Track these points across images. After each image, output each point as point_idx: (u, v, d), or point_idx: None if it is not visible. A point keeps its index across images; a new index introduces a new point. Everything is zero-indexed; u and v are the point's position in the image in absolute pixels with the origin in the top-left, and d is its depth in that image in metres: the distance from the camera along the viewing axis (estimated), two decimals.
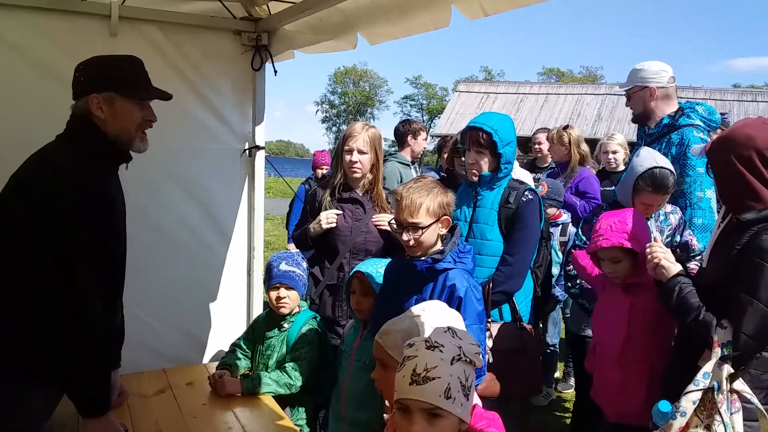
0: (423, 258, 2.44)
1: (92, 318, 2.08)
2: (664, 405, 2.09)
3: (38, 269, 2.02)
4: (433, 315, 1.95)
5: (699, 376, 2.09)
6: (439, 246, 2.46)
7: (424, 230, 2.37)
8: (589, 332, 3.24)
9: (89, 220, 2.07)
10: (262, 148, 3.79)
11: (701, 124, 3.41)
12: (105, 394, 2.20)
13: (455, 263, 2.42)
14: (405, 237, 2.40)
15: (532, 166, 5.81)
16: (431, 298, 2.39)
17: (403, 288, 2.49)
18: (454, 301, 2.35)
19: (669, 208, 3.24)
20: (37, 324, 2.03)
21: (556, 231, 4.62)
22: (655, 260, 2.35)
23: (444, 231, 2.45)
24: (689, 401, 2.07)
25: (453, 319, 2.00)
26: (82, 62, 2.25)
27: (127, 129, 2.25)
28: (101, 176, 2.21)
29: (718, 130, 4.43)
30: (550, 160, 5.78)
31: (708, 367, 2.09)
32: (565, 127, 5.35)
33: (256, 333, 3.11)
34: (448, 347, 1.56)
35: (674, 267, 2.32)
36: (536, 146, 5.85)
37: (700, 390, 2.08)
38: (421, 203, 2.36)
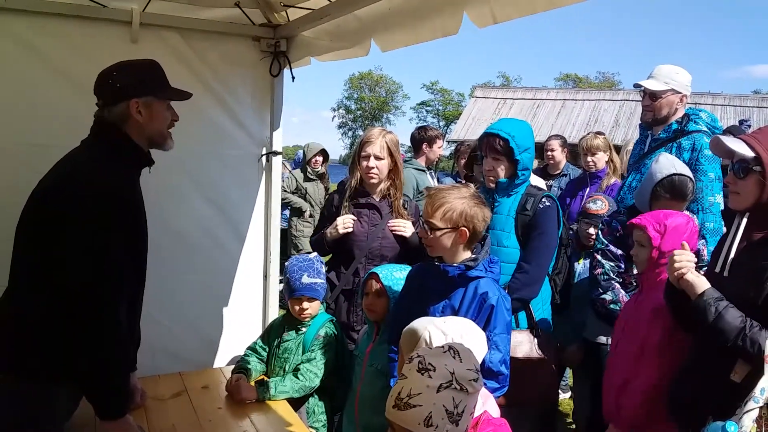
0: (455, 264, 2.40)
1: (114, 321, 2.11)
2: (732, 425, 1.95)
3: (63, 272, 2.04)
4: (451, 328, 1.95)
5: (756, 392, 2.01)
6: (468, 254, 2.43)
7: (435, 232, 2.37)
8: (603, 339, 3.21)
9: (115, 225, 2.11)
10: (280, 153, 3.82)
11: (707, 130, 3.39)
12: (123, 397, 2.23)
13: (486, 272, 2.41)
14: (421, 232, 2.46)
15: (544, 173, 5.76)
16: (461, 305, 2.37)
17: (430, 293, 2.47)
18: (485, 309, 2.33)
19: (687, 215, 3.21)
20: (61, 326, 2.06)
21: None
22: (681, 270, 2.18)
23: (461, 243, 2.39)
24: (750, 419, 2.01)
25: (473, 337, 1.98)
26: (112, 69, 2.29)
27: (161, 130, 2.36)
28: (128, 181, 2.26)
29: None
30: (562, 166, 5.75)
31: (764, 382, 2.02)
32: (599, 133, 5.24)
33: (272, 336, 3.12)
34: (439, 372, 1.54)
35: (700, 282, 2.16)
36: (549, 153, 5.81)
37: (759, 407, 2.02)
38: (440, 205, 2.36)
